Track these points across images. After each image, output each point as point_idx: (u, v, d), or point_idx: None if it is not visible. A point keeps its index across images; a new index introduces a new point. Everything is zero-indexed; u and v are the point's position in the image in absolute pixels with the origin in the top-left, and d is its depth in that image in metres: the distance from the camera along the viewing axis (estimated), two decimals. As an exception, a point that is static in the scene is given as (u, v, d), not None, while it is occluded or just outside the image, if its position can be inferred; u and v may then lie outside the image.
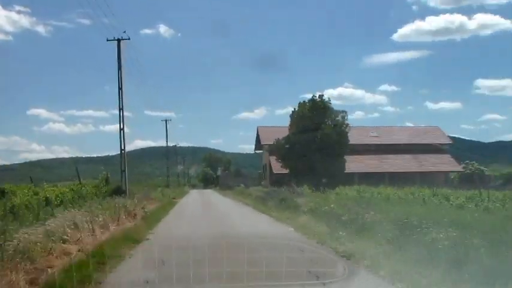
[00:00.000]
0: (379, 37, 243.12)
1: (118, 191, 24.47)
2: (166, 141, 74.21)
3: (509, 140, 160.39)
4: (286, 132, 50.40)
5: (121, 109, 25.95)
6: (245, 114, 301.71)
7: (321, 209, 15.77)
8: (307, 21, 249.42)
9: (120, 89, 25.87)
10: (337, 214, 13.44)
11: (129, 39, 26.57)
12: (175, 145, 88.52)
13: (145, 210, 19.79)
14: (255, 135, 55.72)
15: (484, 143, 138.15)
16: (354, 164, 42.37)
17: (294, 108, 39.72)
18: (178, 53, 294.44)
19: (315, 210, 16.23)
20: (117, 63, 25.97)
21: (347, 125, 38.21)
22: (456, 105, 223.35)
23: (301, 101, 39.48)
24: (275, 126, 55.86)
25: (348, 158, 40.02)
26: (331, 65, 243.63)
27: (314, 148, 35.99)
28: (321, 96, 39.25)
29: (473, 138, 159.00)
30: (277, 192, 26.02)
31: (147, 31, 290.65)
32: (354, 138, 41.29)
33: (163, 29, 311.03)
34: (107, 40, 26.24)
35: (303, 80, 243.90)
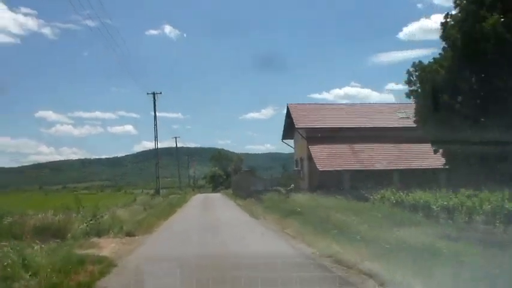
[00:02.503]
0: (385, 36, 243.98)
1: None
2: (155, 120, 48.86)
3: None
4: (327, 112, 35.57)
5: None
6: (252, 115, 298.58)
7: None
8: (313, 21, 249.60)
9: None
10: None
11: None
12: (175, 137, 79.38)
13: None
14: (284, 118, 37.79)
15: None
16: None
17: None
18: (183, 54, 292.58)
19: None
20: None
21: None
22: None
23: None
24: (312, 103, 45.57)
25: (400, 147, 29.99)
26: (337, 64, 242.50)
27: None
28: None
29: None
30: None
31: (153, 32, 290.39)
32: (378, 121, 33.46)
33: (168, 29, 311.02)
34: None
35: (309, 79, 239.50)
